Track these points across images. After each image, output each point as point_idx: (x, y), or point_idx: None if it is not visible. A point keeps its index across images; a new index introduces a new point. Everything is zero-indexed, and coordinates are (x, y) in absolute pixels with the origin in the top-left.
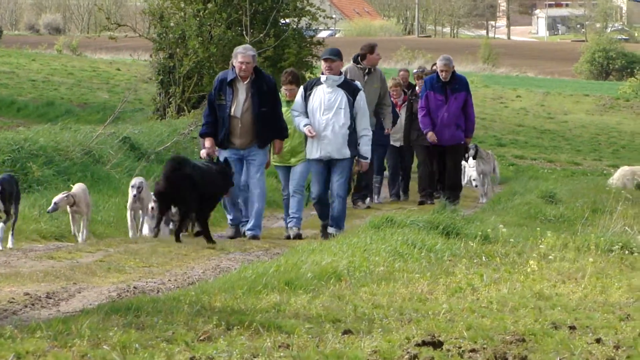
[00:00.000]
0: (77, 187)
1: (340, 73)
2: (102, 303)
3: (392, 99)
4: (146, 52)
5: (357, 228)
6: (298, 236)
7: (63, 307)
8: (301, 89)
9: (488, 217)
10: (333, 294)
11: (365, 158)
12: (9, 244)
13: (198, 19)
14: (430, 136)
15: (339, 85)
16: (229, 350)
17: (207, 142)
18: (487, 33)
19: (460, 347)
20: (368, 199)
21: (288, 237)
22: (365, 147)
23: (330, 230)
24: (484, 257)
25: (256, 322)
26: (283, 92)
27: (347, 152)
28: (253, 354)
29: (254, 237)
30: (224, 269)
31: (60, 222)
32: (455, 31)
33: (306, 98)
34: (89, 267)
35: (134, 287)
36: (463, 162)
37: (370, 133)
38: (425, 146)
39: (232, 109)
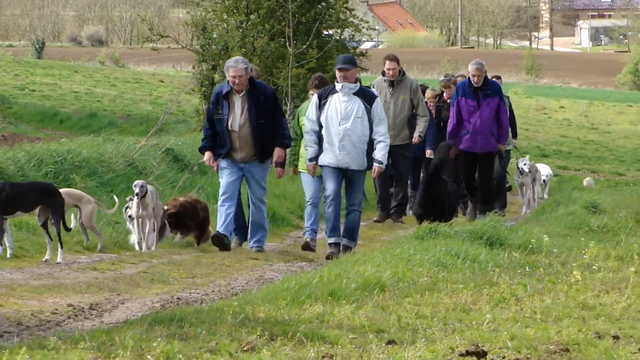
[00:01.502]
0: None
1: (356, 81)
2: (145, 314)
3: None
4: (189, 63)
5: (401, 239)
6: (309, 247)
7: (106, 318)
8: (315, 97)
9: (532, 227)
10: (377, 304)
11: (380, 162)
12: (59, 259)
13: (241, 30)
14: (453, 152)
15: (354, 94)
16: None
17: (207, 156)
18: (530, 44)
19: (504, 357)
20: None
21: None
22: (381, 153)
23: (344, 242)
24: (527, 268)
25: (300, 332)
26: (309, 96)
27: (364, 163)
28: None
29: (260, 250)
30: (267, 279)
31: (103, 234)
32: (498, 42)
33: (321, 107)
34: (133, 278)
35: (178, 298)
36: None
37: (388, 140)
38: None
39: (229, 123)
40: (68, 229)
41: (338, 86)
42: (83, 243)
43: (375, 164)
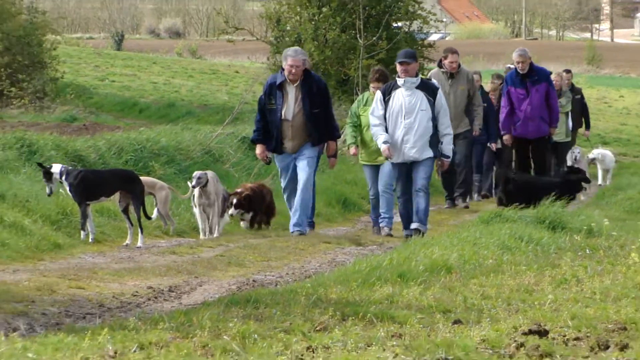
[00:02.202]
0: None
1: (417, 74)
2: (222, 296)
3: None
4: (263, 55)
5: (467, 223)
6: (389, 236)
7: (185, 300)
8: (379, 93)
9: (592, 211)
10: (444, 285)
11: (447, 157)
12: (139, 243)
13: (313, 22)
14: (507, 139)
15: (417, 87)
16: (344, 339)
17: (258, 149)
18: (592, 35)
19: (564, 336)
20: (468, 197)
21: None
22: (448, 147)
23: (415, 225)
24: (588, 250)
25: (370, 312)
26: (371, 89)
27: (429, 153)
28: (367, 343)
29: (301, 234)
30: (339, 262)
31: (181, 218)
32: (561, 34)
33: (385, 102)
34: (210, 261)
35: (253, 280)
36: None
37: (452, 132)
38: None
39: (283, 112)
40: (149, 218)
41: (400, 81)
42: (162, 228)
43: (443, 159)
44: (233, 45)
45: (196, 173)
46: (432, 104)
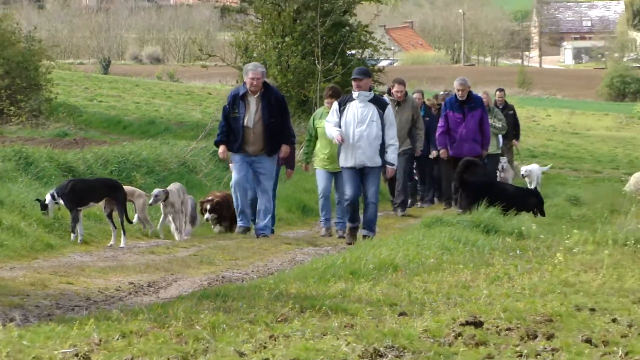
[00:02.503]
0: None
1: (370, 89)
2: (195, 290)
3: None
4: (233, 78)
5: (411, 227)
6: (342, 237)
7: (162, 294)
8: (335, 103)
9: (522, 217)
10: (390, 282)
11: (392, 165)
12: (121, 244)
13: (277, 50)
14: (442, 153)
15: (369, 101)
16: (302, 329)
17: (221, 149)
18: (522, 62)
19: (497, 326)
20: (405, 207)
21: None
22: (392, 155)
23: (364, 232)
24: (518, 251)
25: (325, 306)
26: (325, 104)
27: (378, 161)
28: (323, 333)
29: (264, 236)
30: (299, 261)
31: (158, 222)
32: (495, 60)
33: (340, 112)
34: (184, 260)
35: (222, 277)
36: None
37: (397, 143)
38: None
39: (245, 120)
40: (130, 222)
41: (355, 94)
42: (141, 230)
43: (388, 166)
44: (206, 70)
45: (155, 191)
46: (382, 117)
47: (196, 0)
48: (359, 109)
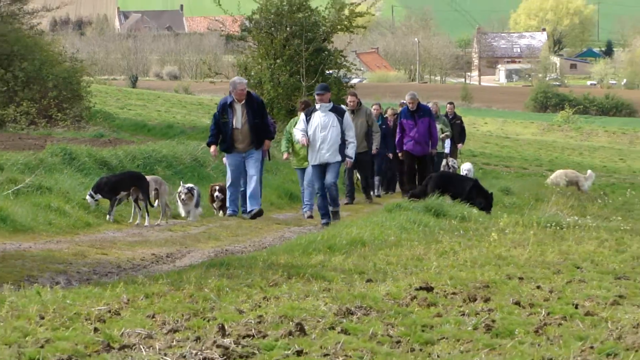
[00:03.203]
0: (150, 178)
1: (330, 101)
2: (204, 260)
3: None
4: None
5: (376, 211)
6: (310, 217)
7: (177, 263)
8: (302, 114)
9: (464, 204)
10: (360, 255)
11: (350, 157)
12: (145, 223)
13: (270, 70)
14: (400, 155)
15: (330, 110)
16: (289, 292)
17: (212, 149)
18: (465, 80)
19: (445, 291)
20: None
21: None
22: (351, 151)
23: (330, 208)
24: (461, 231)
25: (308, 273)
26: (299, 114)
27: (338, 157)
28: (305, 295)
29: (258, 211)
30: (287, 237)
31: (176, 206)
32: (443, 79)
33: (307, 121)
34: (196, 236)
35: (226, 250)
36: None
37: (355, 141)
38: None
39: (234, 123)
40: (152, 205)
41: (317, 106)
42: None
43: (347, 159)
44: (214, 85)
45: (186, 188)
46: (341, 122)
47: (206, 29)
48: (321, 117)
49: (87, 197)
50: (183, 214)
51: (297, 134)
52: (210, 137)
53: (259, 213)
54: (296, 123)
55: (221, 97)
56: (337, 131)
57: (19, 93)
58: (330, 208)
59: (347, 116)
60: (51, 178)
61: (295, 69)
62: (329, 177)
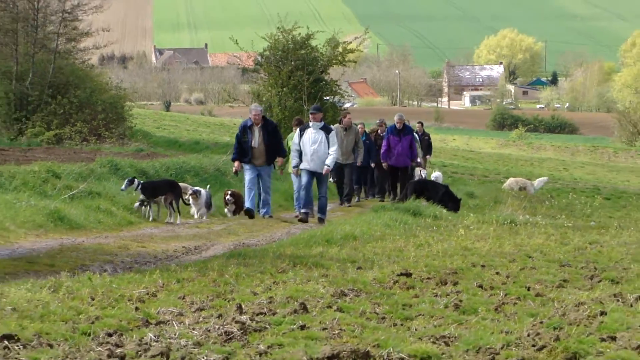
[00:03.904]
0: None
1: (321, 120)
2: (225, 252)
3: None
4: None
5: (365, 212)
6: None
7: (203, 254)
8: (297, 130)
9: (436, 206)
10: (352, 247)
11: (328, 166)
12: (177, 222)
13: (278, 96)
14: (385, 166)
15: (320, 128)
16: (294, 277)
17: (236, 163)
18: (437, 104)
19: (421, 276)
20: (350, 201)
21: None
22: (329, 160)
23: (319, 215)
24: (434, 227)
25: (309, 262)
26: (294, 129)
27: (324, 167)
28: (307, 280)
29: (269, 216)
30: (293, 233)
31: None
32: (419, 103)
33: (301, 136)
34: (218, 232)
35: (243, 243)
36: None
37: (335, 154)
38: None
39: (252, 143)
40: (187, 203)
41: (310, 124)
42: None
43: (325, 166)
44: (232, 109)
45: (193, 190)
46: (328, 139)
47: (226, 63)
48: (312, 134)
49: (136, 204)
50: (194, 214)
51: (293, 157)
52: (234, 154)
53: (270, 216)
54: (293, 138)
55: (239, 118)
56: (325, 147)
57: (73, 115)
58: (319, 215)
59: (333, 134)
60: (100, 185)
61: (298, 96)
62: (321, 189)
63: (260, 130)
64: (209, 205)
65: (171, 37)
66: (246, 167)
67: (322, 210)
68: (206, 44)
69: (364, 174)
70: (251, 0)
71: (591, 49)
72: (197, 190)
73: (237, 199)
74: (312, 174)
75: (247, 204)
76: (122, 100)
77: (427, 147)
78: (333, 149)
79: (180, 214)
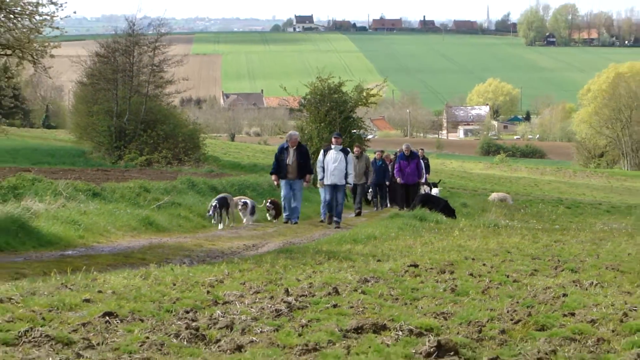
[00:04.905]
0: (241, 198)
1: (341, 144)
2: (276, 248)
3: (388, 161)
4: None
5: (382, 218)
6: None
7: (260, 250)
8: (322, 151)
9: (438, 213)
10: (373, 245)
11: (349, 184)
12: (241, 224)
13: (317, 130)
14: (398, 180)
15: (340, 150)
16: (329, 268)
17: (274, 177)
18: (438, 135)
19: (426, 267)
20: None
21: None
22: (349, 179)
23: (336, 219)
24: (436, 229)
25: (340, 256)
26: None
27: (343, 181)
28: (339, 270)
29: (295, 223)
30: (327, 234)
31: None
32: (425, 135)
33: (325, 155)
34: (271, 234)
35: (290, 242)
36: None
37: (353, 173)
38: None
39: (287, 161)
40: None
41: (333, 146)
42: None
43: (347, 184)
44: (282, 139)
45: (244, 201)
46: (346, 159)
47: (277, 104)
48: (334, 154)
49: (210, 209)
50: (243, 220)
51: (319, 171)
52: (273, 169)
53: (295, 222)
54: None
55: None
56: (343, 164)
57: (160, 144)
58: (335, 219)
59: (350, 156)
60: (180, 197)
61: (332, 129)
62: (339, 198)
63: (294, 152)
64: (252, 212)
65: (235, 85)
66: (282, 182)
67: (340, 215)
68: (262, 90)
69: (381, 190)
70: (296, 57)
71: (556, 94)
72: (244, 202)
73: (276, 206)
74: (333, 187)
75: (285, 214)
76: (197, 132)
77: (426, 168)
78: (350, 168)
79: (235, 221)
